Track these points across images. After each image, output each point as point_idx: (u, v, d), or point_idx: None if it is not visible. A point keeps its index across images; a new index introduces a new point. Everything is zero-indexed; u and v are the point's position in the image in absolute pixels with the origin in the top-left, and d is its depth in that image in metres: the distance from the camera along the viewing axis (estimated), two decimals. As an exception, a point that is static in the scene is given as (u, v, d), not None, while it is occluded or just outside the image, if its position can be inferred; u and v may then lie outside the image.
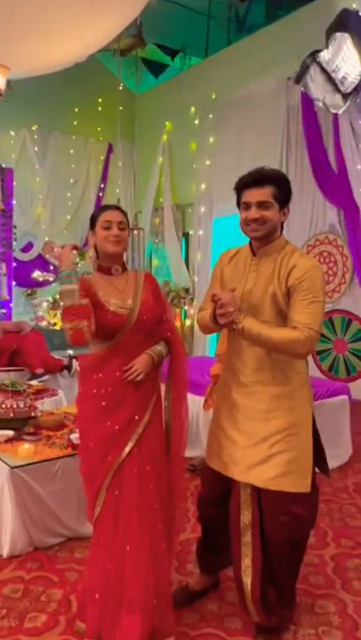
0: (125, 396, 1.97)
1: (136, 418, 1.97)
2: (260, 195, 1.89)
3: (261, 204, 1.89)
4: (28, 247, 7.52)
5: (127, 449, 1.95)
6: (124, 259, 2.11)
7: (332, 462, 3.77)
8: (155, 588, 1.93)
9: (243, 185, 1.94)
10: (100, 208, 2.12)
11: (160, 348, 2.04)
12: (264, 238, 1.95)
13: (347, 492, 3.41)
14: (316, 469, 2.05)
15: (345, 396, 3.92)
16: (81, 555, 2.60)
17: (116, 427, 1.95)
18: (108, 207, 2.10)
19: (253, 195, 1.90)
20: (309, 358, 4.74)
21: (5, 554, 2.56)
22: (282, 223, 2.00)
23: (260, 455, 1.91)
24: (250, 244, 2.03)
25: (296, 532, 1.96)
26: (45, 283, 6.95)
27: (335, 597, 2.30)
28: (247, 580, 1.97)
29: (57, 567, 2.51)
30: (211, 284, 2.16)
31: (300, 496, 1.92)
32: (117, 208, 2.10)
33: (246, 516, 1.97)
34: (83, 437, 2.08)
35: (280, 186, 1.92)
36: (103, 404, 1.96)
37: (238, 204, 1.99)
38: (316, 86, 5.19)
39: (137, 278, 2.10)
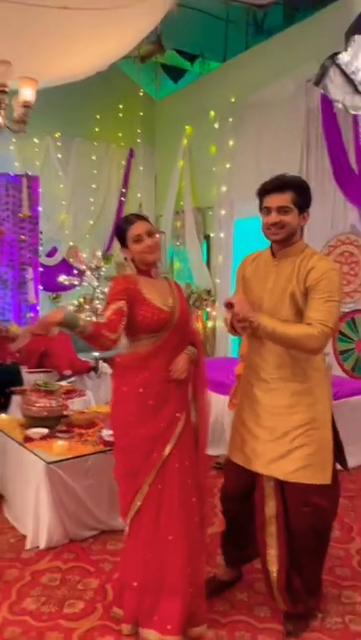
0: (169, 394, 2.07)
1: (178, 415, 2.08)
2: (281, 200, 1.99)
3: (281, 209, 1.99)
4: (52, 252, 7.69)
5: (170, 446, 2.05)
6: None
7: (355, 460, 3.81)
8: (191, 577, 2.03)
9: (264, 191, 2.05)
10: (125, 222, 2.16)
11: (193, 349, 2.15)
12: (284, 241, 2.05)
13: (371, 488, 3.46)
14: (338, 465, 2.12)
15: (368, 395, 3.97)
16: (113, 547, 2.71)
17: (162, 424, 2.05)
18: (131, 220, 2.14)
19: (274, 200, 2.00)
20: (332, 358, 4.77)
21: (42, 545, 2.69)
22: (301, 227, 2.09)
23: (281, 449, 2.00)
24: (271, 247, 2.13)
25: (318, 523, 2.04)
26: (70, 286, 7.11)
27: (361, 588, 2.37)
28: (273, 569, 2.07)
29: (92, 558, 2.62)
30: (236, 288, 2.26)
31: (321, 488, 2.00)
32: (140, 217, 2.18)
33: (271, 508, 2.06)
34: (122, 436, 2.13)
35: (299, 192, 2.02)
36: (150, 402, 2.05)
37: (260, 208, 2.09)
38: (336, 88, 5.24)
39: (169, 282, 2.23)
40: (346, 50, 5.06)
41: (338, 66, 5.21)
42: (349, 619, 2.16)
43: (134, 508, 2.08)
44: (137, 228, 2.11)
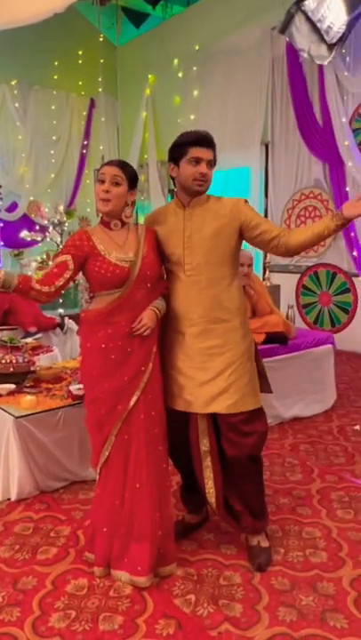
0: (133, 349, 2.07)
1: (142, 369, 2.09)
2: (210, 154, 2.12)
3: (209, 162, 2.11)
4: (12, 207, 7.47)
5: (135, 398, 2.08)
6: (125, 213, 2.14)
7: (318, 407, 4.00)
8: (159, 522, 2.11)
9: (195, 142, 2.09)
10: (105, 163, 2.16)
11: (162, 303, 2.15)
12: (203, 192, 2.16)
13: (331, 434, 3.62)
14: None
15: (330, 346, 4.10)
16: (84, 496, 2.78)
17: (125, 378, 2.07)
18: (104, 163, 2.14)
19: (205, 153, 2.10)
20: (295, 311, 4.86)
21: (14, 497, 2.73)
22: None
23: (220, 386, 2.12)
24: (176, 199, 2.21)
25: (254, 448, 2.18)
26: (33, 243, 6.95)
27: (321, 524, 2.51)
28: (212, 500, 2.25)
29: (63, 507, 2.69)
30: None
31: (255, 413, 2.16)
32: (116, 163, 2.11)
33: (205, 444, 2.21)
34: (89, 389, 2.16)
35: (215, 150, 2.15)
36: (112, 357, 2.06)
37: (178, 157, 2.11)
38: (302, 36, 5.13)
39: (138, 232, 2.16)
40: (312, -4, 4.92)
41: (304, 13, 5.08)
42: (309, 552, 2.30)
43: (103, 458, 2.13)
44: (104, 169, 2.08)
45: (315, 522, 2.54)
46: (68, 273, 2.04)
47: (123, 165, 2.12)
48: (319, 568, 2.19)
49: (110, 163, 2.13)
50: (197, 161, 2.08)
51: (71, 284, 2.17)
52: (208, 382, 2.13)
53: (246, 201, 2.17)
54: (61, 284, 2.05)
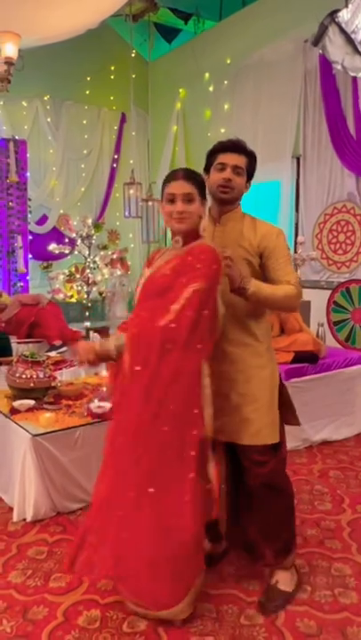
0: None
1: None
2: (237, 160, 2.03)
3: (235, 169, 2.02)
4: (42, 220, 7.50)
5: None
6: (202, 230, 1.96)
7: (348, 430, 3.82)
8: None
9: (221, 148, 2.05)
10: (166, 177, 1.95)
11: None
12: (230, 202, 2.08)
13: (363, 460, 3.44)
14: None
15: (361, 366, 3.92)
16: (102, 519, 2.67)
17: None
18: (171, 176, 1.93)
19: (231, 158, 2.03)
20: (326, 329, 4.70)
21: (29, 518, 2.65)
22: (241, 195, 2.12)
23: (242, 414, 2.02)
24: (209, 213, 2.12)
25: (268, 477, 2.04)
26: (62, 255, 6.95)
27: (351, 561, 2.34)
28: (222, 526, 2.16)
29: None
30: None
31: (272, 445, 2.04)
32: (186, 175, 1.89)
33: (222, 471, 2.10)
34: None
35: (251, 159, 2.08)
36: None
37: (208, 166, 2.09)
38: (335, 48, 5.01)
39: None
40: (346, 7, 4.82)
41: (337, 24, 4.96)
42: (338, 592, 2.14)
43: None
44: (172, 187, 1.88)
45: (345, 557, 2.37)
46: None
47: (195, 177, 1.93)
48: (349, 610, 2.03)
49: (175, 177, 1.91)
50: (223, 166, 2.02)
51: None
52: (233, 410, 2.02)
53: (283, 235, 2.07)
54: None
